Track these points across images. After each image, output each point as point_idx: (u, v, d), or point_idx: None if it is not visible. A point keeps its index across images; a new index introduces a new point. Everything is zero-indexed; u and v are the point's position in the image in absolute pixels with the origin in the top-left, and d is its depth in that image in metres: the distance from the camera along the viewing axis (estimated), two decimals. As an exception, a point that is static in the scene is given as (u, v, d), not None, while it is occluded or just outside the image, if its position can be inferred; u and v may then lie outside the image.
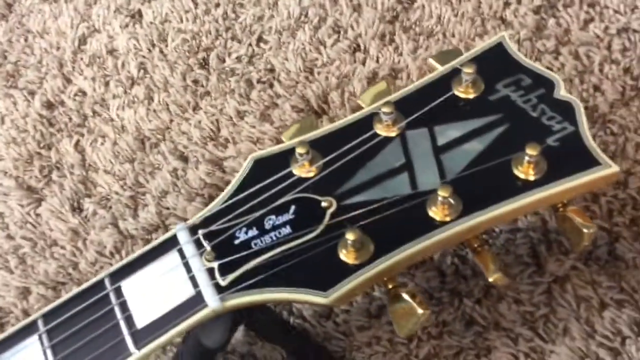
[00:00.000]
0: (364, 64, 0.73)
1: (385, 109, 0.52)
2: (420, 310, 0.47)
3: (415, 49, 0.73)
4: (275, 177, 0.51)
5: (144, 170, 0.72)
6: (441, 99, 0.53)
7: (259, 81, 0.74)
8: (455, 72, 0.54)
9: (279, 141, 0.67)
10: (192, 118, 0.73)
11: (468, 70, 0.52)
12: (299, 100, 0.72)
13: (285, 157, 0.52)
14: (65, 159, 0.74)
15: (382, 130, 0.53)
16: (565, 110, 0.51)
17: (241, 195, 0.51)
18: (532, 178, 0.49)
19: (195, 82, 0.76)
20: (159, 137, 0.73)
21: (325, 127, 0.54)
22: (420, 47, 0.73)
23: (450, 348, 0.59)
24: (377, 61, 0.73)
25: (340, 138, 0.53)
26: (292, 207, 0.50)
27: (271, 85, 0.74)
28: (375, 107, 0.53)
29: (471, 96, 0.53)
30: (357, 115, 0.54)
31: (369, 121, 0.53)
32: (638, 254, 0.60)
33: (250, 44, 0.77)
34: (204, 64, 0.77)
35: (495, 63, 0.54)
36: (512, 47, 0.55)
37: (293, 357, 0.57)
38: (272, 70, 0.75)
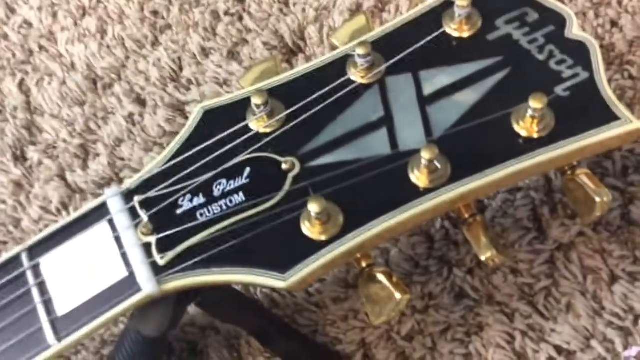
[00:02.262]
0: (346, -7, 0.64)
1: (361, 51, 0.44)
2: (398, 295, 0.41)
3: (407, -25, 0.64)
4: (228, 132, 0.44)
5: (96, 115, 0.65)
6: (429, 37, 0.46)
7: (226, 13, 0.66)
8: (447, 5, 0.47)
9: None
10: (151, 55, 0.66)
11: (461, 2, 0.44)
12: (272, 35, 0.64)
13: (241, 108, 0.45)
14: (7, 100, 0.67)
15: (357, 75, 0.45)
16: (578, 52, 0.44)
17: (187, 154, 0.44)
18: (536, 136, 0.42)
19: (155, 13, 0.68)
20: (112, 77, 0.66)
21: (291, 72, 0.46)
22: (412, -28, 0.64)
23: (436, 324, 0.53)
24: (362, -10, 0.64)
25: (307, 85, 0.45)
26: (247, 170, 0.43)
27: (240, 18, 0.66)
28: (350, 48, 0.46)
29: (465, 34, 0.46)
30: (328, 57, 0.46)
31: (342, 65, 0.46)
32: (656, 218, 0.54)
33: (217, -31, 0.68)
34: (165, -8, 0.68)
35: (495, -6, 0.47)
36: (515, -25, 0.47)
37: (254, 337, 0.50)
38: (241, 0, 0.66)
